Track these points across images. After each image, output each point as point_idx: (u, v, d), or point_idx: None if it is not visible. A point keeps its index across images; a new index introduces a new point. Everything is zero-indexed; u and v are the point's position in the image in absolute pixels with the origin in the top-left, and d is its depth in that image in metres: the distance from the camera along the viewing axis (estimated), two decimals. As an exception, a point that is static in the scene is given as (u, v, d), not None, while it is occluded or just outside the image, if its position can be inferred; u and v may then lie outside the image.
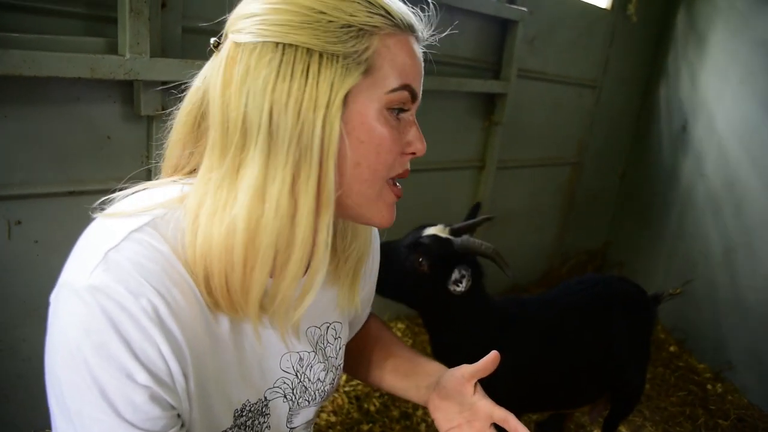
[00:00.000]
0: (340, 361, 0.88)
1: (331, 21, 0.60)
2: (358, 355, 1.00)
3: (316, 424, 1.87)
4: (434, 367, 0.91)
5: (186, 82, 0.69)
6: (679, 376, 2.66)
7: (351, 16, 0.61)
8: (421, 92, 0.69)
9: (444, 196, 2.52)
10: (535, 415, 2.13)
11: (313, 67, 0.60)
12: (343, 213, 0.69)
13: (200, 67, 0.67)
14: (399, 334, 2.46)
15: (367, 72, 0.62)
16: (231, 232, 0.61)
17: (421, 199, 2.40)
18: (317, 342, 0.83)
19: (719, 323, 2.76)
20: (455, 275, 1.32)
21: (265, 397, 0.76)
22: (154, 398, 0.60)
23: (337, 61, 0.60)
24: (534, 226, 3.10)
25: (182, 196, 0.67)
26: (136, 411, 0.59)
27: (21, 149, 1.33)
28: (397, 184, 0.71)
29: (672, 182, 3.08)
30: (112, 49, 1.34)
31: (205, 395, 0.68)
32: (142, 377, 0.58)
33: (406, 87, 0.64)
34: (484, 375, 0.80)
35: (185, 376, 0.63)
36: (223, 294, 0.63)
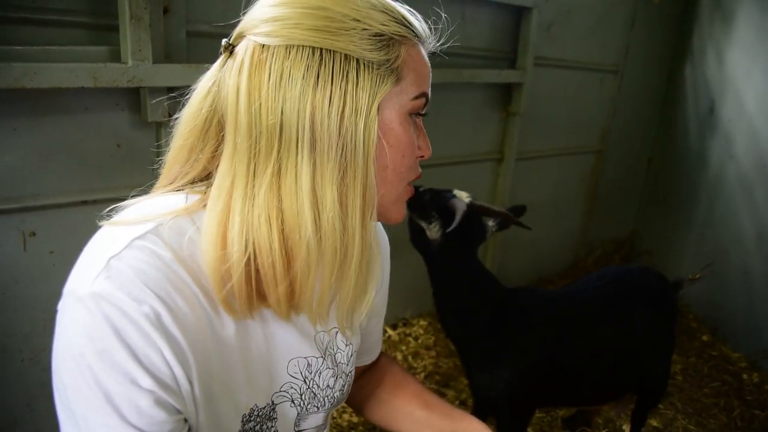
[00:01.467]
0: (351, 368, 0.87)
1: (365, 29, 0.62)
2: (381, 403, 0.99)
3: (338, 425, 1.87)
4: (473, 424, 0.89)
5: (190, 88, 0.68)
6: (713, 365, 2.57)
7: (383, 25, 0.63)
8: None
9: (463, 190, 2.48)
10: (562, 411, 2.09)
11: (352, 74, 0.61)
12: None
13: (206, 71, 0.66)
14: (421, 331, 2.44)
15: (397, 80, 0.65)
16: (278, 237, 0.62)
17: (439, 193, 2.37)
18: (326, 348, 0.82)
19: (754, 310, 2.67)
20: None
21: (273, 401, 0.76)
22: (159, 402, 0.60)
23: (373, 69, 0.62)
24: (558, 216, 3.04)
25: (188, 206, 0.67)
26: (141, 415, 0.59)
27: (32, 161, 1.34)
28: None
29: (700, 166, 2.98)
30: (116, 57, 1.34)
31: (211, 400, 0.68)
32: (147, 382, 0.59)
33: (424, 94, 0.68)
34: None
35: (190, 380, 0.64)
36: (277, 297, 0.66)
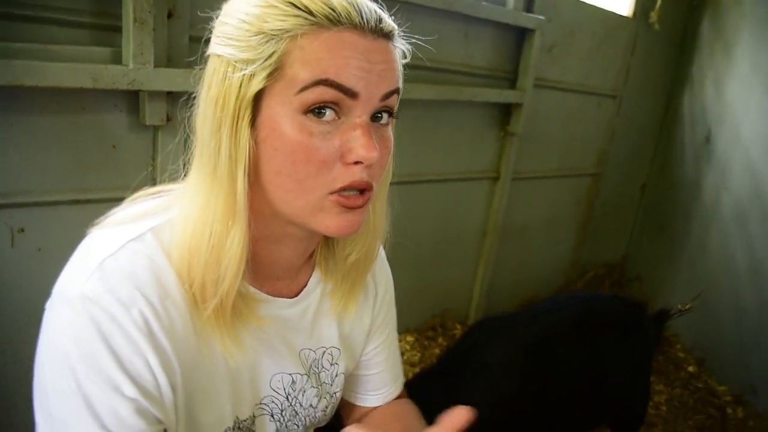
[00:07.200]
0: (336, 389, 0.86)
1: (247, 30, 0.60)
2: None
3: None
4: None
5: (191, 92, 0.68)
6: (698, 398, 2.56)
7: (264, 22, 0.59)
8: (378, 91, 0.61)
9: (457, 207, 2.49)
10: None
11: (229, 75, 0.60)
12: (293, 222, 0.67)
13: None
14: (407, 347, 2.42)
15: (276, 75, 0.59)
16: (180, 232, 0.65)
17: (434, 209, 2.37)
18: (311, 365, 0.81)
19: (743, 343, 2.66)
20: None
21: (253, 414, 0.76)
22: (141, 411, 0.59)
23: (246, 68, 0.59)
24: (551, 238, 3.04)
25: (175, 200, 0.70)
26: (121, 424, 0.58)
27: (26, 158, 1.33)
28: (350, 193, 0.63)
29: (695, 194, 3.00)
30: (117, 58, 1.33)
31: (193, 409, 0.67)
32: (129, 390, 0.58)
33: (322, 82, 0.58)
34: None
35: (173, 389, 0.63)
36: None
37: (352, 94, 0.59)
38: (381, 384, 0.94)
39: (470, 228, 2.59)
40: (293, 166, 0.60)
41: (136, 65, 1.30)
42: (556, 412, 1.57)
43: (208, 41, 0.65)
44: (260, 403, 0.76)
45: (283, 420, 0.79)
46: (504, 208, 2.61)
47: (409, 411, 0.95)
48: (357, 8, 0.59)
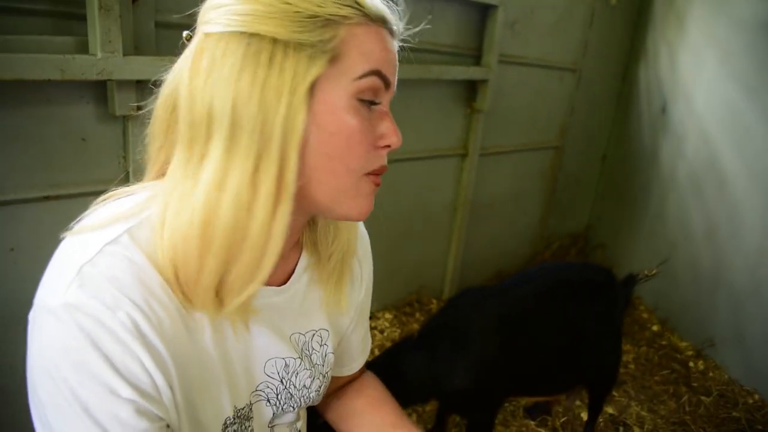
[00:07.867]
0: (327, 368, 0.88)
1: (297, 11, 0.59)
2: (356, 414, 0.98)
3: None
4: None
5: (160, 79, 0.67)
6: (663, 354, 2.70)
7: (318, 6, 0.60)
8: (395, 84, 0.68)
9: (428, 185, 2.52)
10: (523, 401, 2.15)
11: (278, 57, 0.59)
12: (316, 208, 0.68)
13: (174, 63, 0.66)
14: (387, 324, 2.46)
15: (334, 60, 0.61)
16: (189, 221, 0.60)
17: (405, 188, 2.39)
18: (302, 349, 0.82)
19: (701, 301, 2.80)
20: None
21: (250, 401, 0.76)
22: (140, 412, 0.59)
23: (303, 51, 0.59)
24: (518, 211, 3.11)
25: (150, 198, 0.66)
26: (123, 426, 0.58)
27: (-8, 154, 1.28)
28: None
29: (653, 164, 3.10)
30: (83, 48, 1.29)
31: (191, 405, 0.67)
32: (126, 392, 0.58)
33: (375, 72, 0.63)
34: None
35: (171, 387, 0.63)
36: (186, 286, 0.63)
37: (388, 87, 0.67)
38: (356, 356, 0.99)
39: (441, 205, 2.63)
40: (348, 150, 0.63)
41: (104, 54, 1.26)
42: (535, 376, 1.64)
43: (188, 27, 0.65)
44: (256, 390, 0.77)
45: (279, 403, 0.81)
46: (473, 183, 2.65)
47: (385, 396, 1.01)
48: (391, 13, 0.67)
